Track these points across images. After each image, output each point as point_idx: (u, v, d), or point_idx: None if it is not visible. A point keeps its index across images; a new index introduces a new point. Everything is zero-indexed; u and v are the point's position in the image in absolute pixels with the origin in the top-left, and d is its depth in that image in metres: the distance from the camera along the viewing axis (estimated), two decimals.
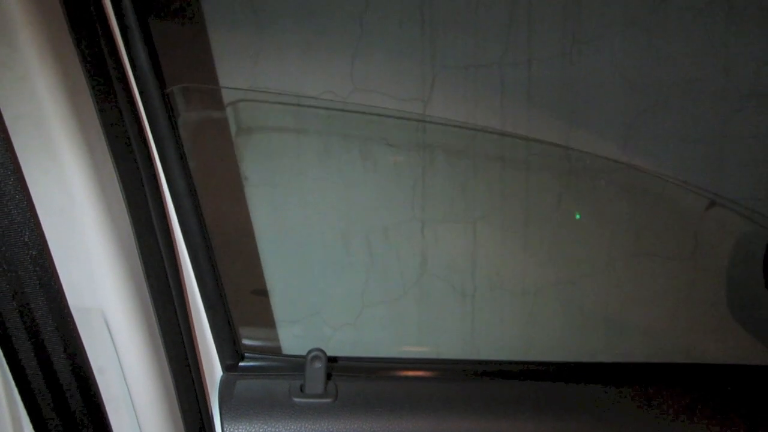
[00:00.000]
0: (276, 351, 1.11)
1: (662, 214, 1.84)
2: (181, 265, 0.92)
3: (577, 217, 1.72)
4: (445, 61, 1.73)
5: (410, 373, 1.05)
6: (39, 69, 0.70)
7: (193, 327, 0.94)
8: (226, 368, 1.00)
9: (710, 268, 1.84)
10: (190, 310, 0.93)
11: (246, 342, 1.06)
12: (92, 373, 0.82)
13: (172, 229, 0.91)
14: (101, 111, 0.78)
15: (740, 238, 1.83)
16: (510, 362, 1.13)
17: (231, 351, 1.00)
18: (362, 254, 1.74)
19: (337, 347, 1.40)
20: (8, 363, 0.78)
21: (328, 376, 0.99)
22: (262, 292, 1.66)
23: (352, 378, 1.00)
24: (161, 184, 0.89)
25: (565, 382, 1.05)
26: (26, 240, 0.74)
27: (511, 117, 1.76)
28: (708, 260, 1.84)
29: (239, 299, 1.39)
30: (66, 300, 0.79)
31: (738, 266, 1.82)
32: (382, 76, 1.71)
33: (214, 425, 0.93)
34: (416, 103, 1.73)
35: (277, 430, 0.92)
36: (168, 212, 0.90)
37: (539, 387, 1.04)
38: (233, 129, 1.43)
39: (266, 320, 1.53)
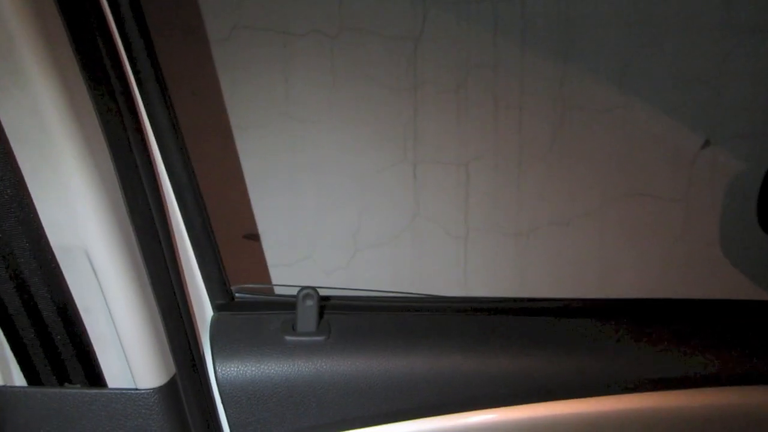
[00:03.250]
0: (268, 290, 1.10)
1: (655, 153, 1.82)
2: (165, 202, 0.89)
3: None
4: None
5: (405, 312, 1.04)
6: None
7: (181, 266, 0.92)
8: (216, 308, 0.98)
9: (704, 208, 1.83)
10: (177, 250, 0.91)
11: (237, 285, 1.05)
12: (78, 312, 0.81)
13: (156, 165, 0.88)
14: (75, 42, 0.74)
15: (734, 177, 1.82)
16: (506, 299, 1.12)
17: (222, 291, 0.99)
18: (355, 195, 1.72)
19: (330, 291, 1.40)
20: None
21: (321, 315, 0.97)
22: (250, 237, 1.65)
23: (346, 316, 0.99)
24: (142, 118, 0.85)
25: (558, 318, 1.04)
26: (1, 177, 0.71)
27: (504, 55, 1.72)
28: (701, 200, 1.83)
29: (229, 243, 1.37)
30: (47, 239, 0.76)
31: (732, 205, 1.81)
32: (371, 14, 1.66)
33: (205, 363, 0.92)
34: (407, 42, 1.69)
35: (268, 368, 0.92)
36: (151, 149, 0.87)
37: (535, 322, 1.03)
38: None
39: (257, 264, 1.52)
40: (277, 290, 1.18)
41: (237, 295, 1.01)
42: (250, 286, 1.04)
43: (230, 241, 1.63)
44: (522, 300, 1.12)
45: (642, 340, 0.99)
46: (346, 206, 1.74)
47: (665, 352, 0.98)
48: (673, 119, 1.83)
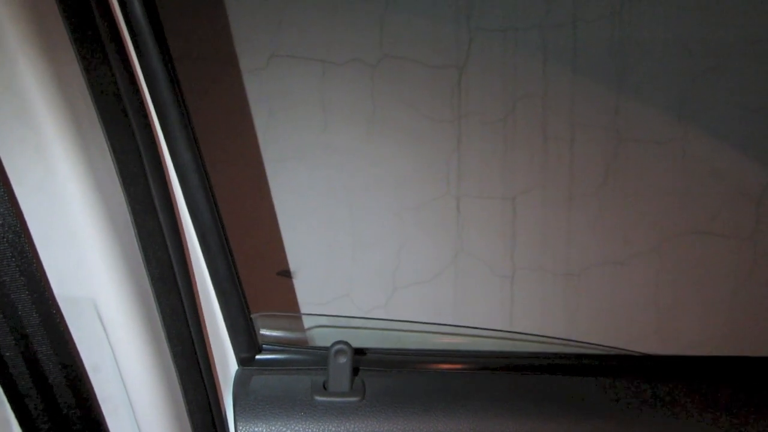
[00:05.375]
0: (298, 342, 1.01)
1: (718, 188, 1.69)
2: (187, 246, 0.81)
3: None
4: (482, 23, 1.60)
5: (447, 367, 0.94)
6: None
7: (203, 316, 0.83)
8: (241, 362, 0.89)
9: None
10: (198, 298, 0.83)
11: (264, 332, 0.95)
12: (85, 371, 0.73)
13: (176, 204, 0.80)
14: (88, 73, 0.67)
15: None
16: (558, 355, 1.01)
17: (247, 342, 0.90)
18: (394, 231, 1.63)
19: (365, 336, 1.30)
20: None
21: (355, 372, 0.88)
22: (283, 274, 1.56)
23: (382, 373, 0.89)
24: (162, 153, 0.78)
25: (610, 377, 0.92)
26: (0, 221, 0.64)
27: (553, 84, 1.62)
28: None
29: (256, 283, 1.29)
30: (51, 289, 0.69)
31: None
32: (414, 42, 1.59)
33: (227, 426, 0.83)
34: (451, 71, 1.60)
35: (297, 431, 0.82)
36: (171, 186, 0.79)
37: (585, 383, 0.92)
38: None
39: (287, 307, 1.43)
40: (308, 338, 1.09)
41: (264, 346, 0.92)
42: (279, 336, 0.95)
43: (259, 280, 1.55)
44: (576, 357, 1.00)
45: (708, 409, 0.87)
46: (385, 242, 1.65)
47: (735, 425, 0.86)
48: (737, 151, 1.71)
